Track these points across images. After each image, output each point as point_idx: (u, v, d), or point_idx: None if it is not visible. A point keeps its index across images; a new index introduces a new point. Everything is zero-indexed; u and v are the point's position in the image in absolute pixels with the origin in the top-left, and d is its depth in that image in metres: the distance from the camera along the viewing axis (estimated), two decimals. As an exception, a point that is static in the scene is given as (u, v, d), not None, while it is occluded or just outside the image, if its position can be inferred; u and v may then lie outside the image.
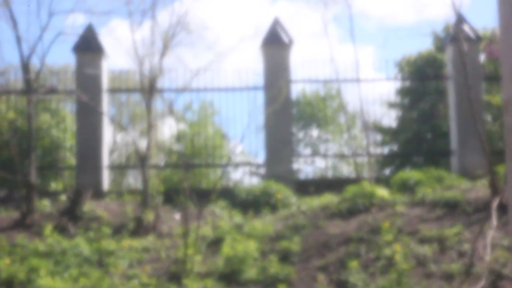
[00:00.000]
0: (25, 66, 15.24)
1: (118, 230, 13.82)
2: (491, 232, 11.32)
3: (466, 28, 16.98)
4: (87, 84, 16.70)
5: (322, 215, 13.89)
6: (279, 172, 16.47)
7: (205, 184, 18.65)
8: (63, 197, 15.39)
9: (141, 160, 14.90)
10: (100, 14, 15.91)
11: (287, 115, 17.01)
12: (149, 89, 15.17)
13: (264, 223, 13.54)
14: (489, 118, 18.42)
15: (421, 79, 19.75)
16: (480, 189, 14.01)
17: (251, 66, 29.59)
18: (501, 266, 10.83)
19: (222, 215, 14.52)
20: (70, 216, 14.34)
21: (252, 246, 12.10)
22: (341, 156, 21.22)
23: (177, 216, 14.54)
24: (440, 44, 20.10)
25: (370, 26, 43.63)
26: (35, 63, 16.15)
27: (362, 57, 44.97)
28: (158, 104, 19.13)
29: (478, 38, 17.26)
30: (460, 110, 16.69)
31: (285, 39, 17.30)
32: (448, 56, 17.67)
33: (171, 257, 12.57)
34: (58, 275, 11.70)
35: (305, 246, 12.60)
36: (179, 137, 18.42)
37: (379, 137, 20.78)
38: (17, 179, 14.75)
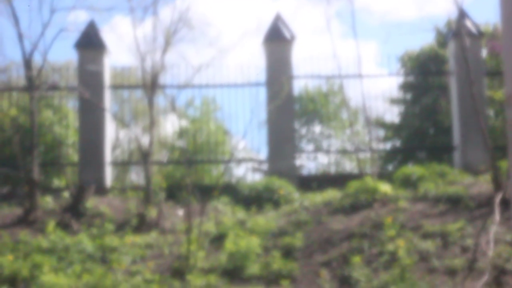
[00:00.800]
0: (27, 63, 15.24)
1: (121, 227, 13.83)
2: (494, 227, 11.30)
3: (468, 23, 16.96)
4: (89, 80, 16.70)
5: (324, 211, 13.89)
6: (282, 168, 16.47)
7: (208, 180, 18.64)
8: (66, 194, 15.39)
9: (144, 157, 14.91)
10: (102, 11, 15.95)
11: (290, 111, 17.01)
12: (151, 85, 15.16)
13: (267, 219, 13.54)
14: (491, 113, 18.40)
15: (424, 75, 19.74)
16: (482, 184, 14.00)
17: (253, 62, 29.61)
18: (504, 261, 10.83)
19: (225, 211, 14.53)
20: (73, 213, 14.34)
21: (255, 242, 12.11)
22: (344, 152, 21.21)
23: (180, 212, 14.55)
24: (442, 39, 20.09)
25: (372, 21, 43.63)
26: (37, 59, 16.17)
27: (364, 53, 44.91)
28: (160, 100, 19.18)
29: (480, 34, 17.24)
30: (463, 106, 16.68)
31: (287, 35, 17.29)
32: (450, 52, 17.65)
33: (174, 253, 12.57)
34: (61, 271, 11.71)
35: (308, 242, 12.61)
36: (181, 133, 18.41)
37: (381, 133, 20.78)
38: (20, 176, 14.77)
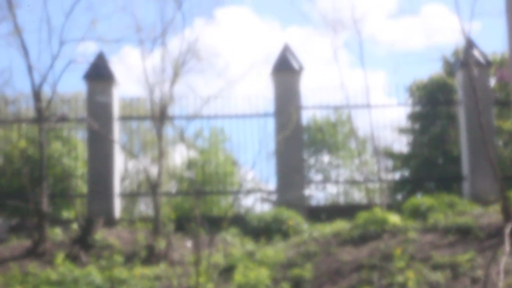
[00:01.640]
0: (37, 95, 15.28)
1: (130, 258, 13.80)
2: (504, 258, 11.24)
3: (476, 53, 16.99)
4: (98, 111, 16.75)
5: (334, 242, 13.84)
6: (291, 199, 16.45)
7: (217, 211, 18.63)
8: (75, 225, 15.38)
9: (153, 188, 14.90)
10: (111, 42, 15.97)
11: (298, 141, 17.01)
12: (160, 116, 15.19)
13: (276, 250, 13.50)
14: (500, 143, 18.37)
15: (432, 105, 19.73)
16: (492, 214, 13.95)
17: (261, 92, 29.60)
18: (514, 292, 10.77)
19: (233, 243, 14.49)
20: (82, 245, 14.31)
21: (264, 274, 12.08)
22: (353, 182, 21.18)
23: (189, 243, 14.52)
24: (450, 68, 20.10)
25: (380, 51, 43.73)
26: (46, 91, 16.21)
27: (372, 82, 44.93)
28: (169, 131, 19.18)
29: (488, 63, 17.26)
30: (471, 136, 16.65)
31: (295, 65, 17.34)
32: (458, 81, 17.66)
33: (183, 285, 12.53)
34: (70, 304, 11.68)
35: (317, 273, 12.56)
36: (190, 164, 18.44)
37: (390, 163, 20.74)
38: (29, 208, 14.76)
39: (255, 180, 20.94)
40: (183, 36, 15.45)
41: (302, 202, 16.74)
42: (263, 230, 14.86)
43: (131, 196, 21.86)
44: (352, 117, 18.11)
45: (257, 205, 19.07)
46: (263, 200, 18.74)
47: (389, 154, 20.37)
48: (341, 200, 20.98)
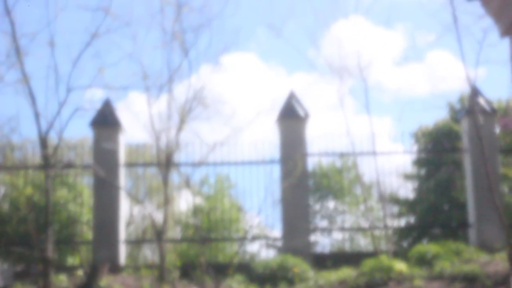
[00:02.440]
0: (43, 141, 15.31)
1: (134, 306, 13.75)
2: (511, 307, 11.19)
3: (481, 100, 17.02)
4: (104, 158, 16.80)
5: (340, 289, 13.78)
6: (296, 245, 16.40)
7: (222, 258, 18.58)
8: (80, 272, 15.34)
9: (158, 234, 14.87)
10: (118, 89, 16.02)
11: (304, 188, 17.00)
12: (165, 163, 15.21)
13: (282, 298, 13.44)
14: (506, 190, 18.34)
15: (437, 152, 19.75)
16: (499, 262, 13.89)
17: (267, 139, 29.67)
18: None
19: (239, 290, 14.43)
20: (87, 292, 14.28)
21: (269, 322, 12.01)
22: (358, 229, 21.13)
23: (194, 291, 14.47)
24: (455, 114, 20.15)
25: (386, 98, 43.90)
26: (52, 137, 16.25)
27: (378, 129, 45.01)
28: (175, 178, 19.17)
29: (493, 111, 17.28)
30: (477, 183, 16.63)
31: (301, 112, 17.39)
32: (463, 129, 17.67)
33: (188, 333, 12.47)
34: None
35: (323, 321, 12.49)
36: (195, 211, 18.41)
37: (396, 209, 20.72)
38: (34, 254, 14.73)
39: (261, 227, 20.90)
40: (189, 83, 15.53)
41: (307, 249, 16.68)
42: (268, 278, 14.79)
43: (136, 243, 21.81)
44: (357, 163, 18.12)
45: (262, 251, 19.04)
46: (269, 246, 18.69)
47: (395, 200, 20.36)
48: (347, 246, 20.94)
